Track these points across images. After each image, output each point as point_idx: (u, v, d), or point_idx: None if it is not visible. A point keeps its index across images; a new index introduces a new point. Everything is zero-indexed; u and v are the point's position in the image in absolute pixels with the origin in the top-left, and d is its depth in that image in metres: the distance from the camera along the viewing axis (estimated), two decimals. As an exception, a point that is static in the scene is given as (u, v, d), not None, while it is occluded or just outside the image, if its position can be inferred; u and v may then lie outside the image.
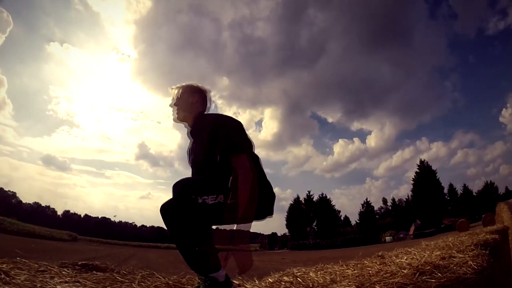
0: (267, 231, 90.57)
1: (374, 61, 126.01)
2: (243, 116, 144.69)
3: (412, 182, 69.09)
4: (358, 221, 70.84)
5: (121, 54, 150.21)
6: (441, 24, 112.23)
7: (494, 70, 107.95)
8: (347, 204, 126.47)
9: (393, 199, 75.16)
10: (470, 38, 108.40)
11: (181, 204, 1.83)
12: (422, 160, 70.67)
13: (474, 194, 67.14)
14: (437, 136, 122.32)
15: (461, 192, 68.17)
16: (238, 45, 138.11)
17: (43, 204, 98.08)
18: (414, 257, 2.54)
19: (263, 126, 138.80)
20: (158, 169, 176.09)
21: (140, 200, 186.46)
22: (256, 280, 2.15)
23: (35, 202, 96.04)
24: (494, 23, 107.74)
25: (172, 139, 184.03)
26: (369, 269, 2.18)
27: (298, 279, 2.06)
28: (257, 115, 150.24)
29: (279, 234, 76.23)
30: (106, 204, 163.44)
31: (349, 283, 1.79)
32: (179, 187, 1.91)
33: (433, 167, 69.05)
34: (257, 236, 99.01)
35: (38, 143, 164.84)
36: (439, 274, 1.78)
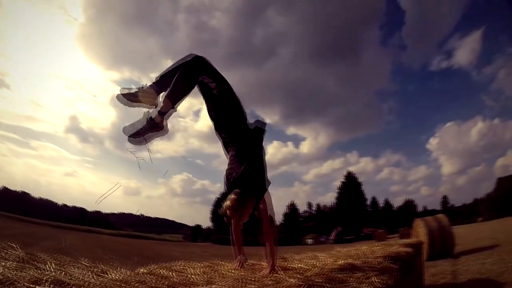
0: (191, 223, 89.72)
1: (321, 73, 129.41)
2: (182, 103, 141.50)
3: (338, 190, 72.55)
4: (282, 222, 72.09)
5: (68, 15, 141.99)
6: (389, 51, 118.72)
7: (429, 102, 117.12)
8: (273, 204, 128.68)
9: (318, 205, 77.70)
10: (413, 69, 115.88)
11: None
12: (350, 171, 74.53)
13: (394, 208, 72.63)
14: (367, 152, 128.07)
15: (383, 205, 73.29)
16: (191, 30, 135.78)
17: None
18: (317, 263, 2.19)
19: (200, 116, 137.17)
20: (87, 146, 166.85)
21: (65, 177, 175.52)
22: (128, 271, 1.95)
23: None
24: (438, 61, 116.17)
25: (106, 115, 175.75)
26: (249, 275, 1.85)
27: (172, 273, 1.89)
28: (196, 104, 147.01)
29: (203, 227, 75.55)
30: (27, 177, 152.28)
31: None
32: None
33: (359, 179, 73.38)
34: (181, 227, 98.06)
35: None
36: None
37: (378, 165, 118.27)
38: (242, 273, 1.93)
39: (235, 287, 1.51)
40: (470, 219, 64.37)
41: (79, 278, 1.55)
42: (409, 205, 72.11)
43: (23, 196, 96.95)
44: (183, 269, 2.13)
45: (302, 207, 77.92)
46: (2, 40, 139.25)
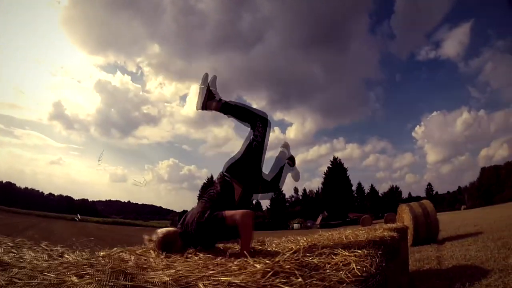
0: (178, 209, 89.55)
1: (308, 60, 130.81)
2: (168, 88, 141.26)
3: (324, 176, 72.83)
4: (269, 207, 72.78)
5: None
6: (378, 40, 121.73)
7: (415, 91, 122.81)
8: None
9: (304, 190, 78.18)
10: (401, 59, 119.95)
11: None
12: (336, 157, 74.87)
13: (379, 195, 73.90)
14: (353, 139, 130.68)
15: (368, 191, 74.41)
16: (177, 14, 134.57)
17: None
18: (294, 247, 2.03)
19: (187, 101, 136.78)
20: (73, 133, 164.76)
21: (50, 165, 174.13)
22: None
23: None
24: (426, 51, 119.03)
25: (91, 101, 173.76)
26: (213, 259, 1.74)
27: (132, 256, 1.78)
28: (182, 89, 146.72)
29: (190, 212, 75.26)
30: (11, 167, 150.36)
31: (170, 272, 1.33)
32: None
33: (345, 165, 73.92)
34: (169, 212, 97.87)
35: None
36: (299, 279, 1.20)
37: (364, 152, 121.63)
38: (207, 256, 1.74)
39: (193, 271, 1.32)
40: (454, 207, 65.98)
41: (27, 260, 1.41)
42: (394, 191, 73.54)
43: (8, 187, 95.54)
44: (145, 252, 2.02)
45: (288, 193, 78.65)
46: None
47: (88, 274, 1.12)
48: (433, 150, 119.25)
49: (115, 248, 2.03)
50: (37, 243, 1.96)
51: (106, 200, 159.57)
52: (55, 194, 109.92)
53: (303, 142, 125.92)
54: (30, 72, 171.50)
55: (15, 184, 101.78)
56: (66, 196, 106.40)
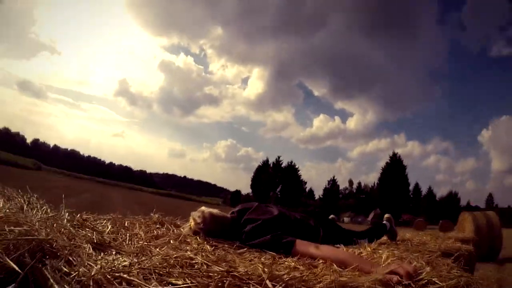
0: (232, 188, 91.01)
1: (373, 47, 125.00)
2: (230, 70, 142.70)
3: (381, 171, 69.67)
4: (321, 196, 71.71)
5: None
6: (447, 31, 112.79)
7: (485, 91, 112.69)
8: (315, 178, 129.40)
9: (359, 183, 75.75)
10: (471, 53, 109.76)
11: None
12: (396, 153, 70.77)
13: (436, 199, 68.52)
14: (415, 136, 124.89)
15: (425, 193, 69.53)
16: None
17: (12, 130, 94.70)
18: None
19: (248, 84, 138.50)
20: (136, 109, 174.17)
21: (113, 137, 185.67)
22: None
23: (4, 127, 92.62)
24: (498, 47, 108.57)
25: (154, 80, 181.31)
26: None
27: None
28: (244, 72, 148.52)
29: (242, 193, 76.19)
30: (78, 137, 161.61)
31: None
32: None
33: (404, 163, 69.74)
34: (222, 190, 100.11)
35: (16, 66, 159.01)
36: None
37: (426, 151, 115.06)
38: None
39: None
40: (514, 223, 60.41)
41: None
42: (453, 197, 67.90)
43: (72, 154, 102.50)
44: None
45: (343, 184, 76.86)
46: (52, 9, 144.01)
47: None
48: (499, 158, 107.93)
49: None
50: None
51: (163, 173, 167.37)
52: (116, 164, 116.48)
53: (363, 134, 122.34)
54: (98, 51, 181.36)
55: (79, 152, 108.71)
56: (126, 166, 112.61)
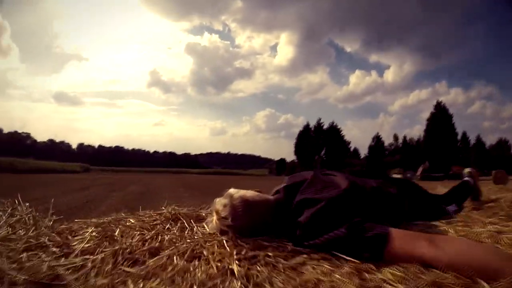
0: (276, 157, 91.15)
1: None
2: (257, 41, 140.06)
3: (426, 122, 66.35)
4: (367, 155, 70.00)
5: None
6: None
7: None
8: (358, 137, 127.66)
9: (405, 137, 72.54)
10: None
11: None
12: (440, 101, 66.87)
13: (486, 147, 64.60)
14: (457, 83, 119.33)
15: (474, 143, 65.58)
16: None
17: (57, 140, 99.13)
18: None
19: (278, 51, 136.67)
20: (170, 96, 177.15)
21: (153, 127, 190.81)
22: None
23: (50, 139, 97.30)
24: None
25: (183, 64, 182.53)
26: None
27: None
28: (271, 39, 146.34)
29: (287, 161, 76.07)
30: (119, 134, 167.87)
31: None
32: None
33: (449, 112, 66.21)
34: (267, 161, 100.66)
35: (48, 81, 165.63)
36: None
37: (469, 97, 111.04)
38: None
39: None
40: None
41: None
42: (503, 145, 63.57)
43: (117, 150, 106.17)
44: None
45: (387, 140, 74.22)
46: (69, 19, 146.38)
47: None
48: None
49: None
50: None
51: (207, 152, 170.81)
52: (160, 151, 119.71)
53: (402, 86, 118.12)
54: (123, 49, 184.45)
55: (123, 147, 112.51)
56: (170, 152, 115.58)
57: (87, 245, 1.07)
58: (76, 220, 1.43)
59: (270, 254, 0.95)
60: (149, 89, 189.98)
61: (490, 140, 74.03)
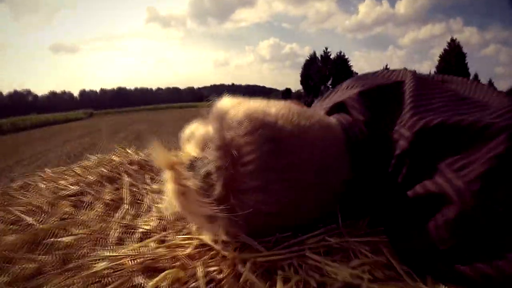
0: (281, 87, 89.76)
1: None
2: None
3: (438, 59, 62.97)
4: None
5: None
6: None
7: None
8: (366, 68, 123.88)
9: None
10: None
11: None
12: (454, 38, 62.80)
13: None
14: (473, 21, 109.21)
15: None
16: None
17: (58, 91, 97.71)
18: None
19: None
20: (171, 30, 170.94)
21: (156, 64, 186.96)
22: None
23: (51, 91, 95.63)
24: None
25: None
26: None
27: None
28: None
29: (293, 90, 75.23)
30: (121, 75, 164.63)
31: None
32: None
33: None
34: (272, 91, 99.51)
35: (42, 34, 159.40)
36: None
37: (484, 39, 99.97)
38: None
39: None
40: None
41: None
42: None
43: (120, 92, 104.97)
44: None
45: None
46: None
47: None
48: None
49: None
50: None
51: (211, 85, 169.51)
52: (163, 88, 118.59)
53: (414, 19, 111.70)
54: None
55: (125, 88, 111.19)
56: (174, 88, 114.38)
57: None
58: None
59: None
60: (147, 25, 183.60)
61: (501, 86, 71.38)
